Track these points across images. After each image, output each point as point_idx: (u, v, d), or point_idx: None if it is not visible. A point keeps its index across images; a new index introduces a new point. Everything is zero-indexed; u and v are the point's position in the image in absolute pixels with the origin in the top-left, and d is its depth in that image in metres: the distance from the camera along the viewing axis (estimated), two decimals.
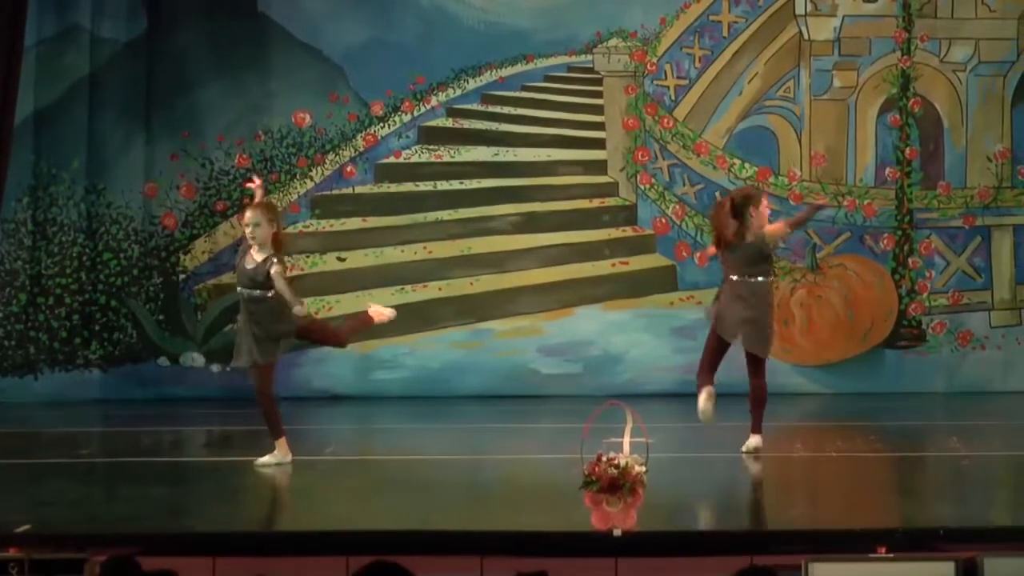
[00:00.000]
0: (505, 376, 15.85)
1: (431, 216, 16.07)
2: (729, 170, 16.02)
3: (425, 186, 16.11)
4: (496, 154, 16.19)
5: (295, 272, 15.88)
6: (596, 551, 7.58)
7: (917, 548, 7.42)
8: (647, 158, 16.05)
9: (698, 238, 16.00)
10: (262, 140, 16.01)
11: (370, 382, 15.88)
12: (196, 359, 15.94)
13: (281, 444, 10.61)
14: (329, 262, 16.04)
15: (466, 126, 16.17)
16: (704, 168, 16.05)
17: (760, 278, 10.86)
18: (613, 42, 16.10)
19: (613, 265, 16.09)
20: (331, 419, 14.39)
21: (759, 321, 10.86)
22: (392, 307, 11.25)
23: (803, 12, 16.02)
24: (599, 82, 16.16)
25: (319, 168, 16.06)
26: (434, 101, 16.12)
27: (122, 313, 15.91)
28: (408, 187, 16.14)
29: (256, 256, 10.45)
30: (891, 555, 7.29)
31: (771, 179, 15.98)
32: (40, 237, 15.84)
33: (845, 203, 15.99)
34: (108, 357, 15.90)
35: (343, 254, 16.07)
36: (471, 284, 16.06)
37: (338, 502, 9.46)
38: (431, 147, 16.17)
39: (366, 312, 11.18)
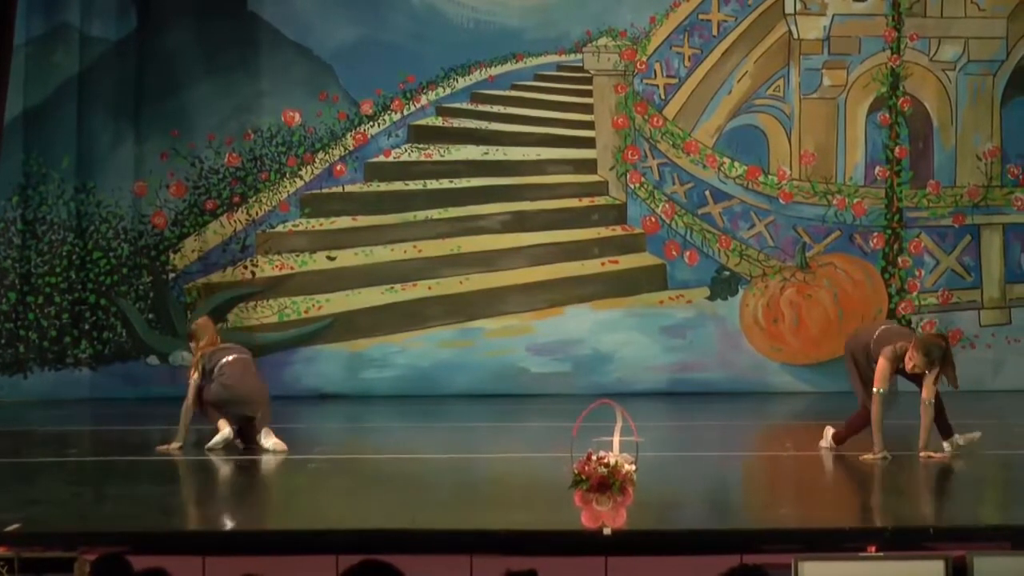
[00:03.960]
0: (495, 375, 15.85)
1: (421, 215, 16.06)
2: (719, 169, 16.03)
3: (415, 185, 16.10)
4: (486, 153, 16.18)
5: (285, 271, 15.90)
6: (586, 550, 7.58)
7: (907, 547, 7.43)
8: (637, 157, 16.04)
9: (688, 237, 16.01)
10: (252, 139, 15.98)
11: (360, 381, 15.87)
12: (185, 358, 15.83)
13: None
14: (319, 261, 16.02)
15: (456, 125, 16.16)
16: (694, 167, 16.05)
17: None
18: (603, 41, 16.09)
19: (603, 264, 16.08)
20: (320, 418, 14.38)
21: None
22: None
23: (792, 11, 16.03)
24: (589, 81, 16.16)
25: (309, 167, 16.04)
26: (424, 100, 16.11)
27: (112, 312, 15.89)
28: (398, 186, 16.12)
29: None
30: (881, 554, 7.30)
31: (760, 178, 16.00)
32: (30, 236, 15.81)
33: (835, 202, 16.01)
34: (98, 356, 15.87)
35: (333, 253, 16.05)
36: (461, 283, 16.04)
37: (328, 501, 9.46)
38: (421, 146, 16.15)
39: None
